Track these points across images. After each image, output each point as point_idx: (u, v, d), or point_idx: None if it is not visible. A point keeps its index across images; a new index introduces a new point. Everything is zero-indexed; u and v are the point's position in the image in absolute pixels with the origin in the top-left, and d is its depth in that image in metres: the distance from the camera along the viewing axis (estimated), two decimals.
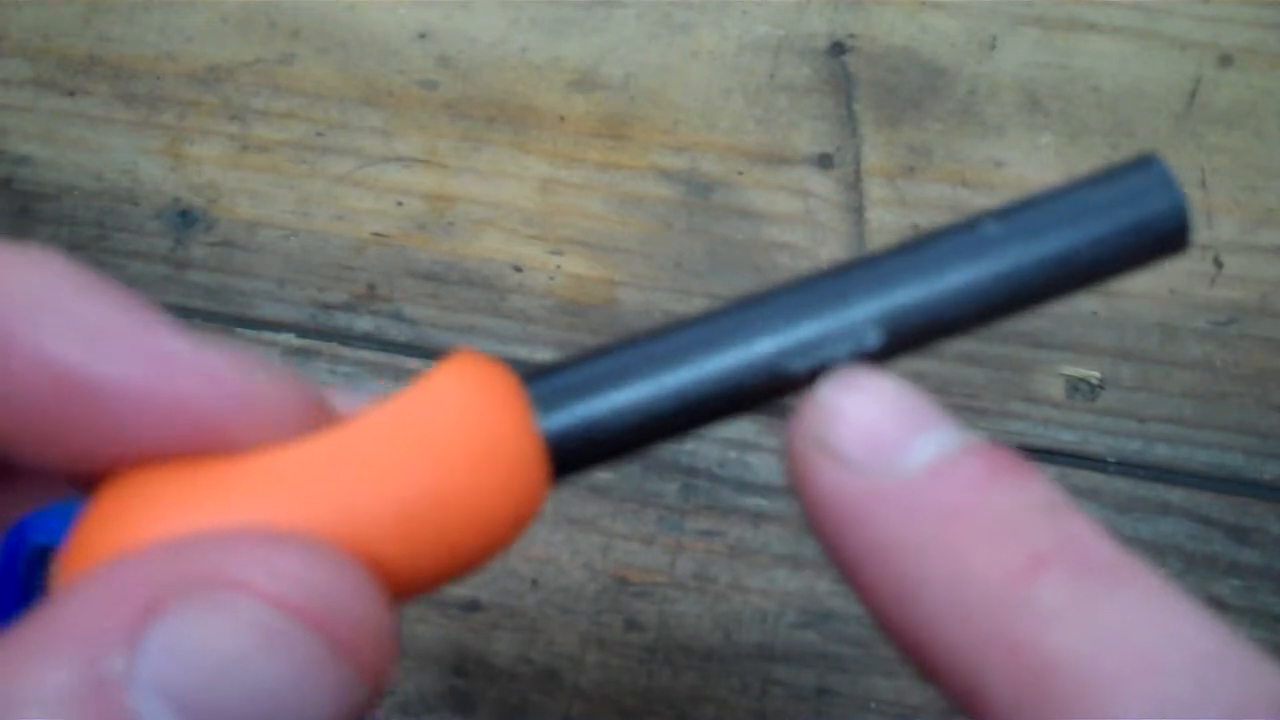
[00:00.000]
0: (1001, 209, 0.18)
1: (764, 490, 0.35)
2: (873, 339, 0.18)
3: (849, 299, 0.18)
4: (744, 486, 0.36)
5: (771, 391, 0.18)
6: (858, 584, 0.16)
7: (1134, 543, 0.35)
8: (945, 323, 0.18)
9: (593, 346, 0.18)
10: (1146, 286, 0.36)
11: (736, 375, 0.18)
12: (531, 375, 0.18)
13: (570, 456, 0.18)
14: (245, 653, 0.13)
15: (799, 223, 0.38)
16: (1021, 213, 0.18)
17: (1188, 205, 0.18)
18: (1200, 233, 0.37)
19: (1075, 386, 0.36)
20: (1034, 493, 0.16)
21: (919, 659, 0.16)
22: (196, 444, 0.15)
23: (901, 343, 0.18)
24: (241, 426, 0.15)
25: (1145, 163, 0.18)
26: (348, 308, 0.38)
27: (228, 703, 0.13)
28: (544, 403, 0.18)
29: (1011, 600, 0.15)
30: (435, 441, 0.17)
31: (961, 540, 0.15)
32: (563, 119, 0.39)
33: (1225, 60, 0.38)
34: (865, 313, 0.18)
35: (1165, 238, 0.18)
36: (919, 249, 0.18)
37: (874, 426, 0.17)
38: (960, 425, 0.17)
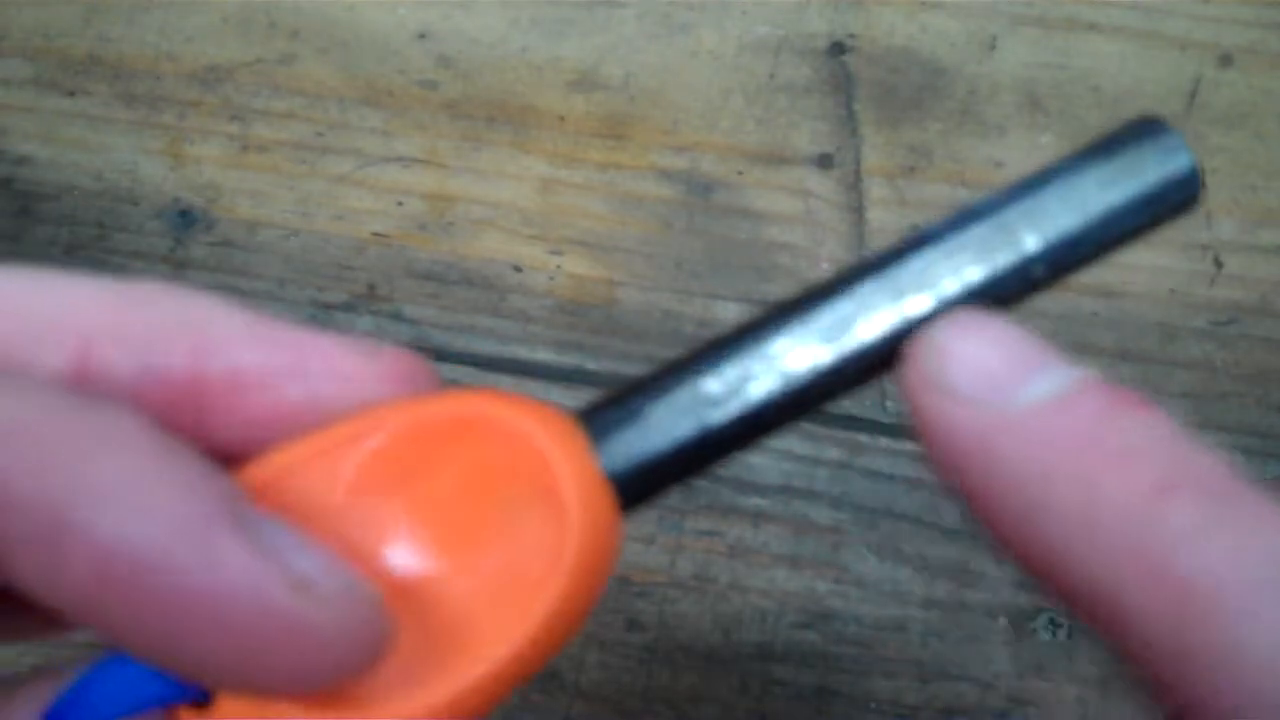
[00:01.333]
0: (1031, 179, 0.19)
1: (764, 490, 0.35)
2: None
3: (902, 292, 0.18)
4: (744, 486, 0.36)
5: (808, 402, 0.18)
6: (985, 514, 0.17)
7: None
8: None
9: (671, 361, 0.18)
10: (1146, 286, 0.37)
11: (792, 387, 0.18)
12: (590, 412, 0.18)
13: (637, 488, 0.18)
14: None
15: (799, 223, 0.38)
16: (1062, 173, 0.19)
17: (1200, 167, 0.19)
18: (1200, 233, 0.37)
19: None
20: (1156, 423, 0.17)
21: (1050, 580, 0.16)
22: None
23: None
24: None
25: (1152, 129, 0.19)
26: (348, 308, 0.38)
27: None
28: (607, 441, 0.17)
29: (1144, 520, 0.15)
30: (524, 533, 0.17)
31: (1090, 466, 0.16)
32: (563, 119, 0.39)
33: (1225, 60, 0.38)
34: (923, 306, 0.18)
35: (1181, 201, 0.19)
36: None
37: (994, 364, 0.17)
38: (1078, 363, 0.17)
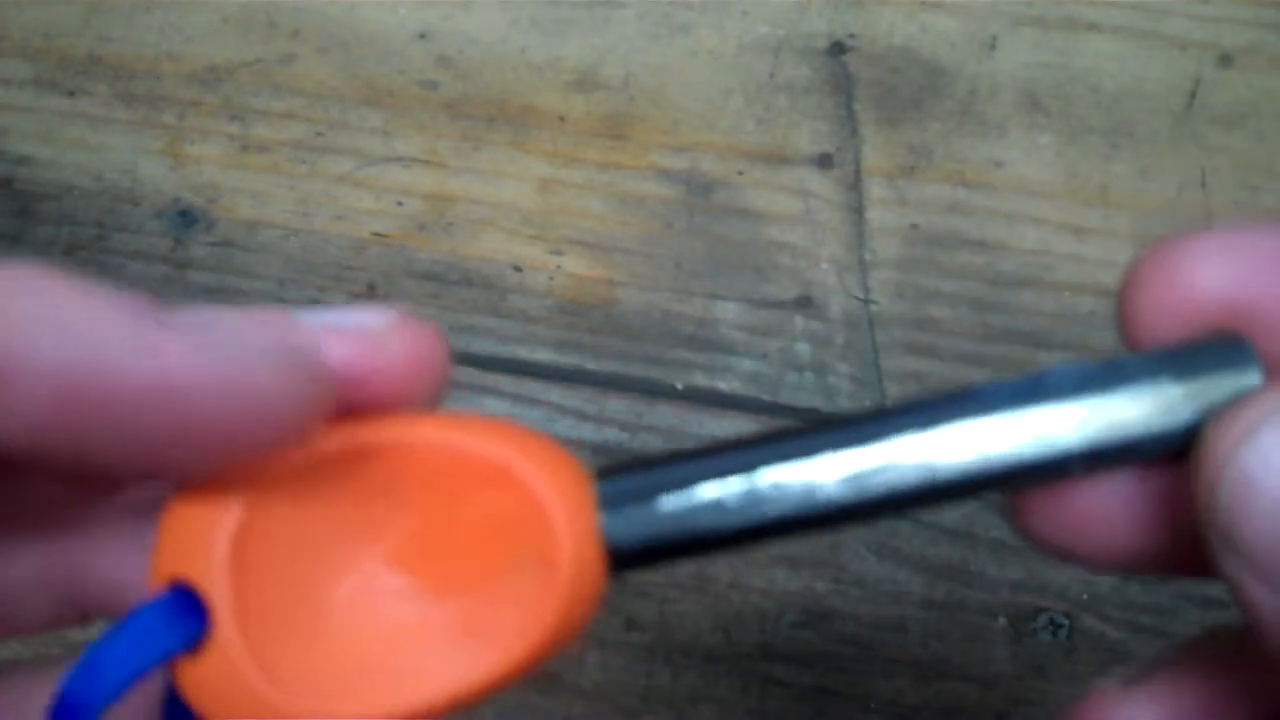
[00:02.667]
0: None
1: None
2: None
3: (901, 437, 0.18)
4: None
5: (819, 522, 0.18)
6: None
7: None
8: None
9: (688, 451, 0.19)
10: None
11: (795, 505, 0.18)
12: (609, 475, 0.18)
13: (629, 558, 0.18)
14: None
15: (799, 223, 0.38)
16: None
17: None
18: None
19: None
20: None
21: None
22: (235, 434, 0.16)
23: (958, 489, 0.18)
24: (261, 423, 0.16)
25: (1232, 355, 0.18)
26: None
27: None
28: (616, 512, 0.18)
29: None
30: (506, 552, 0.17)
31: None
32: (563, 119, 0.39)
33: (1225, 60, 0.38)
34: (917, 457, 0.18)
35: None
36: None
37: None
38: None
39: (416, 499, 0.18)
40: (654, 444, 0.36)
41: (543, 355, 0.37)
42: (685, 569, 0.35)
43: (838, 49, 0.39)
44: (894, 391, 0.36)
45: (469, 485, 0.18)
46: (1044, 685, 0.33)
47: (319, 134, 0.40)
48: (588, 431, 0.36)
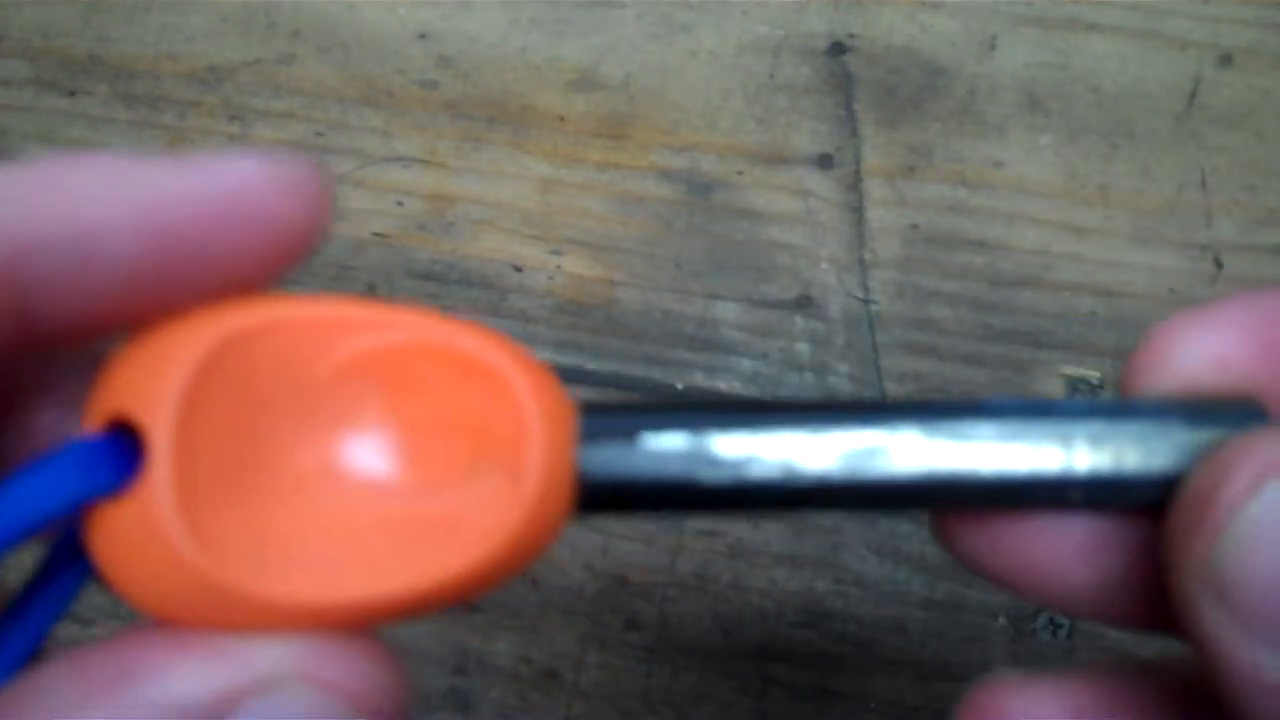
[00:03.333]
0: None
1: None
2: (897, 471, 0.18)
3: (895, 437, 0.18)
4: None
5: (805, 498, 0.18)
6: None
7: None
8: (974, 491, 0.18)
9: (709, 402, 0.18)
10: (1146, 286, 0.37)
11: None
12: (595, 409, 0.18)
13: (601, 498, 0.17)
14: None
15: (799, 223, 0.38)
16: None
17: None
18: (1200, 233, 0.37)
19: (1075, 386, 0.36)
20: None
21: None
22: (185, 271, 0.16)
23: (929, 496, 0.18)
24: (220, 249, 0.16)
25: (1248, 417, 0.18)
26: None
27: None
28: (594, 445, 0.17)
29: None
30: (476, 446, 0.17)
31: None
32: (563, 119, 0.39)
33: (1225, 60, 0.38)
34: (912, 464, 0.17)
35: None
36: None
37: None
38: None
39: (393, 387, 0.17)
40: None
41: (543, 355, 0.37)
42: (685, 568, 0.35)
43: (838, 49, 0.39)
44: (894, 391, 0.36)
45: (451, 383, 0.17)
46: None
47: (319, 134, 0.40)
48: None
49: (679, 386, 0.37)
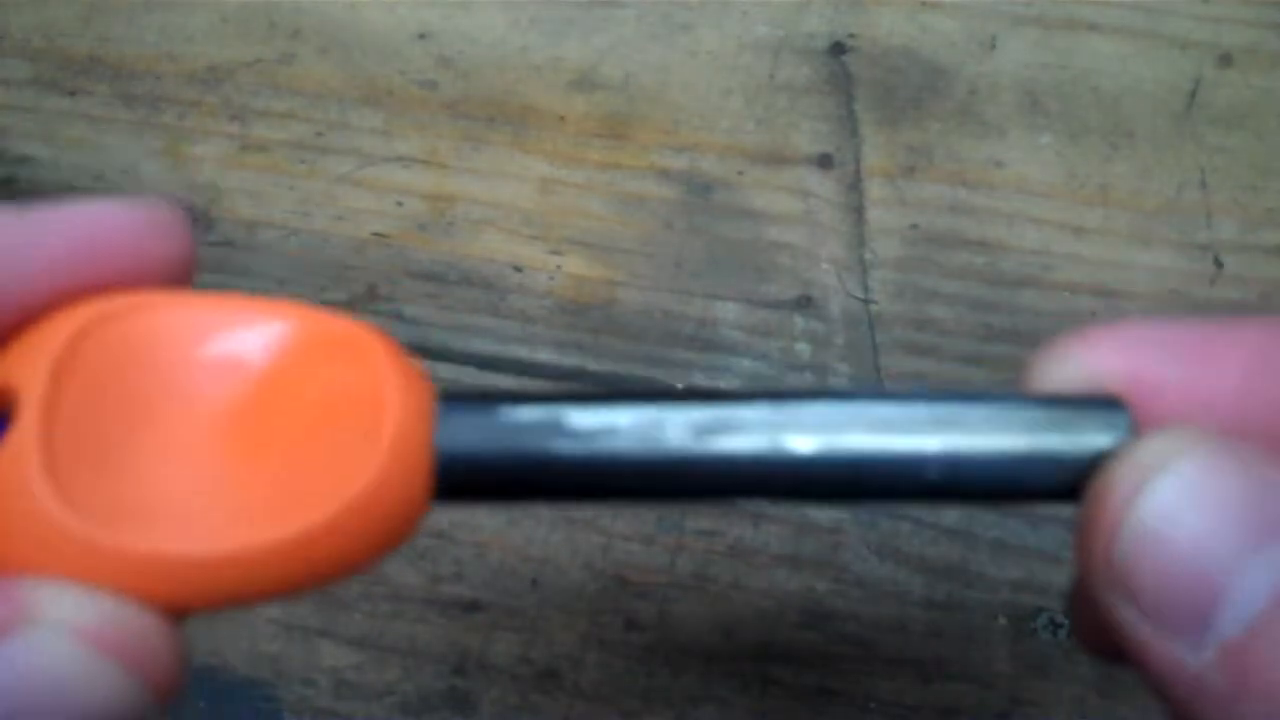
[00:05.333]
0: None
1: None
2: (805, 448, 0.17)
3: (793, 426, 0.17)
4: None
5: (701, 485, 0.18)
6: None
7: None
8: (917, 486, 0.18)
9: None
10: (1146, 286, 0.37)
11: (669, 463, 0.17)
12: (456, 393, 0.18)
13: (459, 476, 0.17)
14: (60, 676, 0.15)
15: (799, 223, 0.38)
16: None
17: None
18: (1200, 233, 0.37)
19: None
20: None
21: None
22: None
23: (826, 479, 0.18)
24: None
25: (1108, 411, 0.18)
26: (348, 308, 0.38)
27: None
28: (453, 421, 0.17)
29: None
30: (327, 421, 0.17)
31: None
32: (563, 119, 0.39)
33: (1225, 60, 0.38)
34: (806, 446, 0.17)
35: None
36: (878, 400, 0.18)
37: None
38: None
39: (260, 363, 0.18)
40: None
41: (543, 355, 0.37)
42: (685, 568, 0.35)
43: (838, 49, 0.39)
44: (892, 390, 0.36)
45: (317, 359, 0.18)
46: (1044, 685, 0.33)
47: (319, 134, 0.40)
48: None
49: (679, 386, 0.37)
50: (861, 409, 0.17)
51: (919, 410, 0.18)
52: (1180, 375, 0.18)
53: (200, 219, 0.39)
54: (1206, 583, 0.14)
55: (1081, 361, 0.19)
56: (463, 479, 0.17)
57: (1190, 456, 0.16)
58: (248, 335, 0.18)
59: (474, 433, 0.17)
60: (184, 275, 0.19)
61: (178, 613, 0.16)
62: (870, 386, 0.18)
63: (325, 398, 0.17)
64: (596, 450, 0.17)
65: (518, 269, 0.38)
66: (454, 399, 0.18)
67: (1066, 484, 0.17)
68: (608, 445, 0.17)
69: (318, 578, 0.17)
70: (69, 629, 0.15)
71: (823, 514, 0.35)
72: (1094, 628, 0.18)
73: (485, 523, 0.36)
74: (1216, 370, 0.18)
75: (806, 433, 0.17)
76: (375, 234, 0.39)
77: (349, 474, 0.17)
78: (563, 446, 0.17)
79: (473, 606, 0.35)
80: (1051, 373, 0.19)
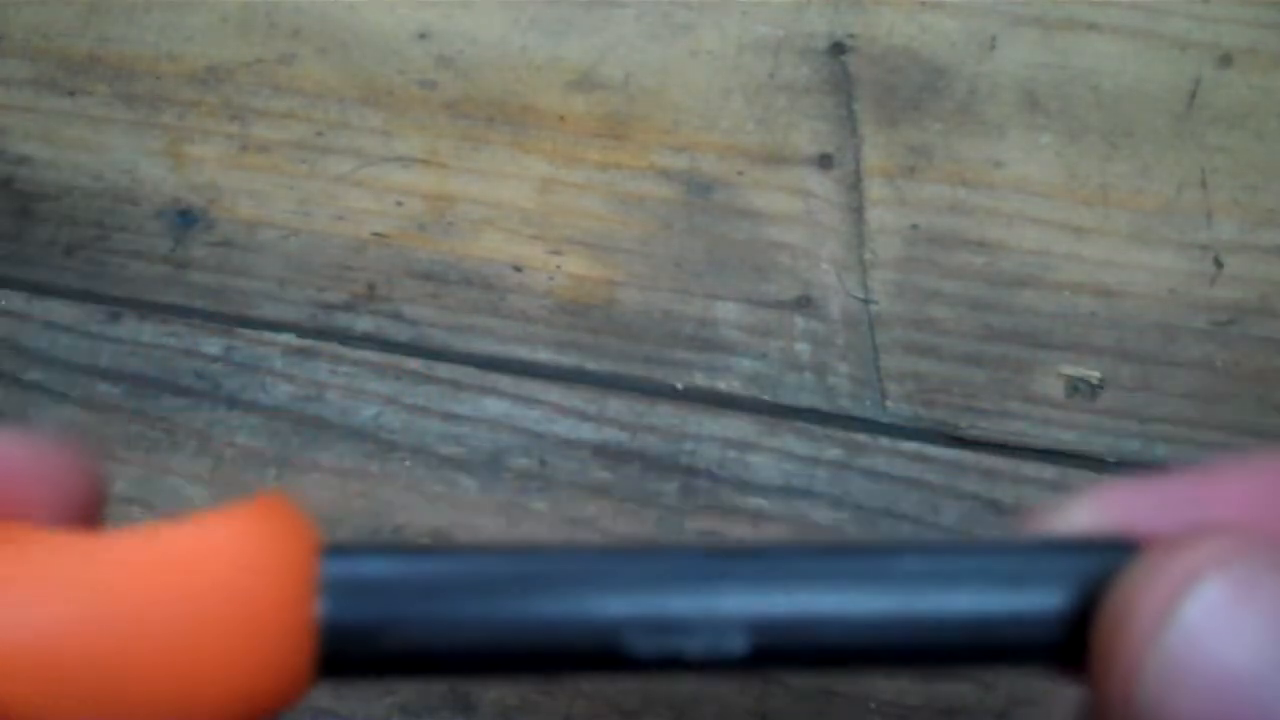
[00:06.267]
0: (930, 549, 0.16)
1: (764, 490, 0.35)
2: (738, 643, 0.15)
3: (723, 587, 0.15)
4: (744, 486, 0.36)
5: (600, 664, 0.15)
6: None
7: None
8: (826, 649, 0.15)
9: (414, 548, 0.16)
10: (1146, 286, 0.37)
11: (567, 633, 0.15)
12: (336, 548, 0.15)
13: (346, 660, 0.15)
14: None
15: (799, 223, 0.38)
16: (948, 559, 0.16)
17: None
18: (1200, 233, 0.37)
19: (1075, 386, 0.36)
20: None
21: None
22: None
23: (769, 656, 0.15)
24: None
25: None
26: (348, 308, 0.38)
27: None
28: (338, 585, 0.15)
29: None
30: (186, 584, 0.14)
31: None
32: (563, 119, 0.39)
33: (1225, 60, 0.38)
34: (739, 608, 0.15)
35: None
36: (816, 556, 0.15)
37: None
38: None
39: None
40: (654, 444, 0.36)
41: (543, 355, 0.37)
42: None
43: (838, 49, 0.39)
44: (894, 391, 0.36)
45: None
46: (1044, 685, 0.34)
47: (319, 134, 0.40)
48: (587, 432, 0.36)
49: (679, 386, 0.37)
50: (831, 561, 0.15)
51: (863, 563, 0.15)
52: (1178, 526, 0.15)
53: (200, 219, 0.39)
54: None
55: (1069, 521, 0.16)
56: (351, 659, 0.15)
57: (1233, 562, 0.13)
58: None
59: (362, 609, 0.15)
60: (89, 516, 0.17)
61: None
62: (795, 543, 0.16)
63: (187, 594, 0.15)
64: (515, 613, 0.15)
65: (518, 269, 0.38)
66: (341, 560, 0.15)
67: (1065, 631, 0.15)
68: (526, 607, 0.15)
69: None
70: None
71: (822, 514, 0.35)
72: None
73: (485, 523, 0.36)
74: (1215, 517, 0.15)
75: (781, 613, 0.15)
76: (375, 234, 0.39)
77: (212, 674, 0.14)
78: (471, 613, 0.15)
79: None
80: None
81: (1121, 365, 0.36)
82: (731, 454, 0.36)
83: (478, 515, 0.36)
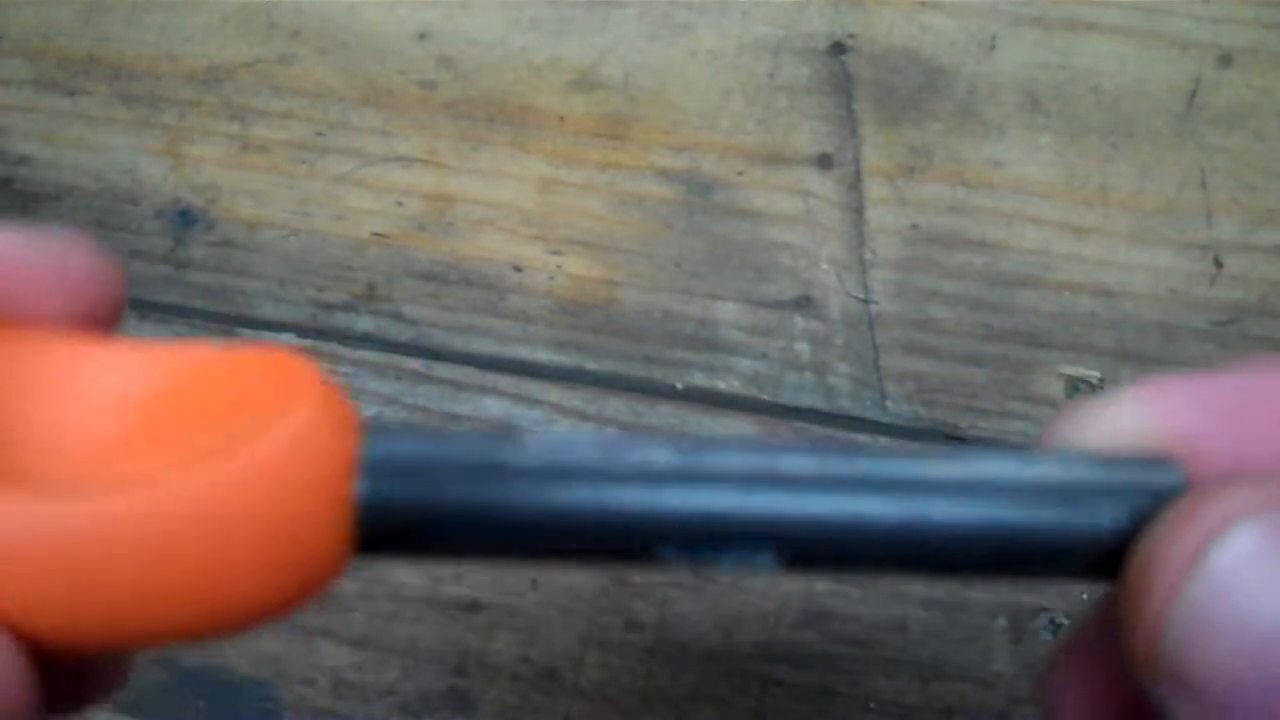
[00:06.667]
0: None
1: None
2: (765, 558, 0.15)
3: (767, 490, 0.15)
4: None
5: (630, 558, 0.15)
6: None
7: None
8: (854, 556, 0.15)
9: (447, 434, 0.16)
10: (1146, 286, 0.37)
11: (597, 525, 0.15)
12: (376, 427, 0.15)
13: (383, 538, 0.15)
14: None
15: (799, 223, 0.38)
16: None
17: None
18: (1200, 233, 0.37)
19: (1075, 386, 0.36)
20: None
21: None
22: None
23: (799, 565, 0.15)
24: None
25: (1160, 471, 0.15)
26: (348, 308, 0.38)
27: None
28: (379, 465, 0.15)
29: None
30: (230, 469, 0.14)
31: None
32: (563, 119, 0.39)
33: (1225, 60, 0.38)
34: (776, 521, 0.15)
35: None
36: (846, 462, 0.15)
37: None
38: None
39: (149, 401, 0.15)
40: None
41: (543, 355, 0.37)
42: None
43: (838, 49, 0.39)
44: (894, 391, 0.36)
45: (217, 394, 0.15)
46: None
47: (319, 134, 0.40)
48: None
49: (679, 386, 0.37)
50: (869, 466, 0.15)
51: (931, 467, 0.15)
52: (1228, 435, 0.15)
53: (200, 219, 0.39)
54: None
55: (1114, 421, 0.16)
56: (389, 536, 0.15)
57: (1263, 513, 0.13)
58: (140, 377, 0.15)
59: (404, 481, 0.15)
60: (107, 320, 0.16)
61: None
62: (874, 447, 0.15)
63: (225, 440, 0.15)
64: (550, 501, 0.15)
65: (518, 269, 0.38)
66: (381, 438, 0.15)
67: (1104, 556, 0.15)
68: (562, 496, 0.15)
69: (212, 637, 0.15)
70: None
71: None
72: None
73: None
74: (1268, 429, 0.15)
75: (796, 491, 0.15)
76: (375, 234, 0.39)
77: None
78: (512, 495, 0.15)
79: (473, 606, 0.35)
80: (1082, 434, 0.16)
81: (1121, 365, 0.36)
82: None
83: None
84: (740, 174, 0.38)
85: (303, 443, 0.14)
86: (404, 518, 0.15)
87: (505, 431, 0.16)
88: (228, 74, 0.40)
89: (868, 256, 0.37)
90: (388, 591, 0.35)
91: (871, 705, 0.34)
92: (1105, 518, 0.15)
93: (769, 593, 0.35)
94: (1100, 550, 0.15)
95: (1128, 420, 0.16)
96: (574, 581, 0.35)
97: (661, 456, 0.15)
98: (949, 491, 0.15)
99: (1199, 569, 0.13)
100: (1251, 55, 0.38)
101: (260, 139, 0.40)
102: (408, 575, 0.35)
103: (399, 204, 0.39)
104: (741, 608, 0.35)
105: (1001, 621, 0.34)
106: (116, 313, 0.16)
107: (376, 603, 0.35)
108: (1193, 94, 0.38)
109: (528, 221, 0.38)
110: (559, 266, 0.38)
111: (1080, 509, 0.15)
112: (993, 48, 0.39)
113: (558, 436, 0.15)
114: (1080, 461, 0.15)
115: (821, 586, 0.35)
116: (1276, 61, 0.38)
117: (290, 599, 0.14)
